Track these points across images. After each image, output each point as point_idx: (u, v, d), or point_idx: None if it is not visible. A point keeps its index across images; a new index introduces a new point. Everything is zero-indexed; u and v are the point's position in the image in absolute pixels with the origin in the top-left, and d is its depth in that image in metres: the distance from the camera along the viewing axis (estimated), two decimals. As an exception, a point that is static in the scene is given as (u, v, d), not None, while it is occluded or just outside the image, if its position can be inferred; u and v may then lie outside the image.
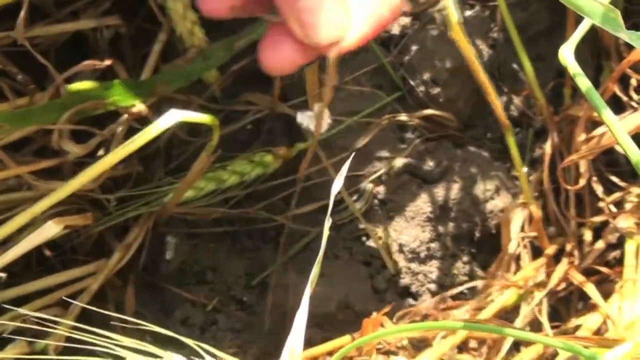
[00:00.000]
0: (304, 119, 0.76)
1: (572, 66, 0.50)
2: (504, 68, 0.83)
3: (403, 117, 0.80)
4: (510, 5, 0.80)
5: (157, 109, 0.76)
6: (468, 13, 0.81)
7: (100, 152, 0.75)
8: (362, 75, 0.80)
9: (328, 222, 0.50)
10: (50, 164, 0.71)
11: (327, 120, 0.76)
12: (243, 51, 0.79)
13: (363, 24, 0.49)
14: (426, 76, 0.79)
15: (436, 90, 0.79)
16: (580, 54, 0.80)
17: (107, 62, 0.72)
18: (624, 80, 0.78)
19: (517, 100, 0.82)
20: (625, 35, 0.46)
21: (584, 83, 0.49)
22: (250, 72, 0.81)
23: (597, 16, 0.47)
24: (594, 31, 0.74)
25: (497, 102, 0.69)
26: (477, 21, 0.82)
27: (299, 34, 0.48)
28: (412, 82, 0.80)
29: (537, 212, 0.72)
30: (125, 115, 0.72)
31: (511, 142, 0.71)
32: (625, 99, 0.76)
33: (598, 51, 0.81)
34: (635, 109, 0.73)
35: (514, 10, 0.81)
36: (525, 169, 0.79)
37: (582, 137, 0.75)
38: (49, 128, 0.68)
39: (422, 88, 0.80)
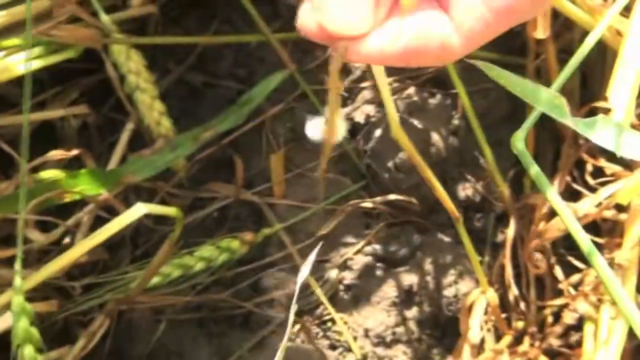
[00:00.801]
0: (313, 127, 0.70)
1: (523, 154, 0.52)
2: (466, 154, 0.85)
3: (368, 203, 0.81)
4: (471, 92, 0.82)
5: (124, 198, 0.77)
6: (430, 101, 0.83)
7: (67, 240, 0.76)
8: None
9: (294, 308, 0.50)
10: (15, 252, 0.71)
11: (342, 127, 0.70)
12: (210, 139, 0.80)
13: (396, 38, 0.37)
14: (390, 163, 0.81)
15: (400, 177, 0.81)
16: (540, 139, 0.83)
17: (75, 152, 0.73)
18: (581, 165, 0.80)
19: (478, 186, 0.84)
20: (571, 122, 0.48)
21: (534, 171, 0.50)
22: (217, 159, 0.83)
23: (543, 103, 0.49)
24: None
25: (444, 196, 0.70)
26: (439, 109, 0.84)
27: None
28: (376, 169, 0.81)
29: (494, 299, 0.73)
30: (92, 204, 0.72)
31: (463, 233, 0.72)
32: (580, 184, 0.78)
33: (557, 136, 0.83)
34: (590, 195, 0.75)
35: (475, 97, 0.83)
36: (486, 257, 0.80)
37: (541, 222, 0.76)
38: (15, 217, 0.69)
39: (386, 175, 0.81)
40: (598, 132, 0.48)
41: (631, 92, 0.56)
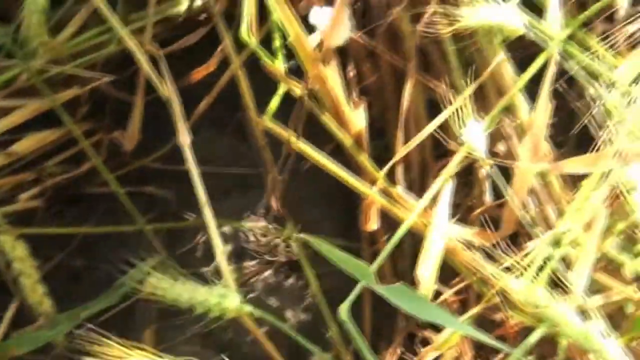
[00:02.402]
0: (318, 16, 0.71)
1: (347, 325, 0.62)
2: (316, 330, 0.93)
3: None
4: (321, 274, 0.92)
5: (6, 369, 0.83)
6: (285, 282, 0.94)
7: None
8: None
9: None
10: None
11: (347, 26, 0.70)
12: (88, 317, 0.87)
13: None
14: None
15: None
16: (377, 315, 0.93)
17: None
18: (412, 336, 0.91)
19: (327, 357, 0.93)
20: (379, 289, 0.59)
21: (359, 343, 0.60)
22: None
23: (361, 275, 0.60)
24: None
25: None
26: (292, 289, 0.94)
27: None
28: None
29: None
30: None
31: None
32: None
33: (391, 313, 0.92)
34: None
35: (324, 278, 0.94)
36: None
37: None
38: None
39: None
40: (403, 299, 0.60)
41: (433, 269, 0.69)
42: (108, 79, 0.87)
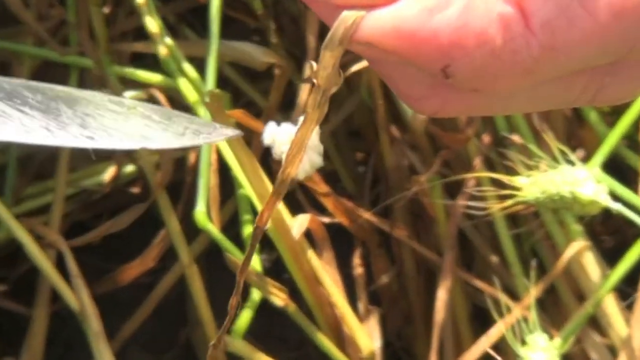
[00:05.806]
0: (275, 135, 0.59)
1: None
2: None
3: None
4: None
5: None
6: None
7: None
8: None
9: None
10: None
11: (317, 151, 0.59)
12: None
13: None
14: None
15: None
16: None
17: None
18: None
19: None
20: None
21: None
22: None
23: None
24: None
25: None
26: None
27: None
28: None
29: None
30: None
31: None
32: None
33: None
34: None
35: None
36: None
37: None
38: None
39: None
40: None
41: None
42: None
